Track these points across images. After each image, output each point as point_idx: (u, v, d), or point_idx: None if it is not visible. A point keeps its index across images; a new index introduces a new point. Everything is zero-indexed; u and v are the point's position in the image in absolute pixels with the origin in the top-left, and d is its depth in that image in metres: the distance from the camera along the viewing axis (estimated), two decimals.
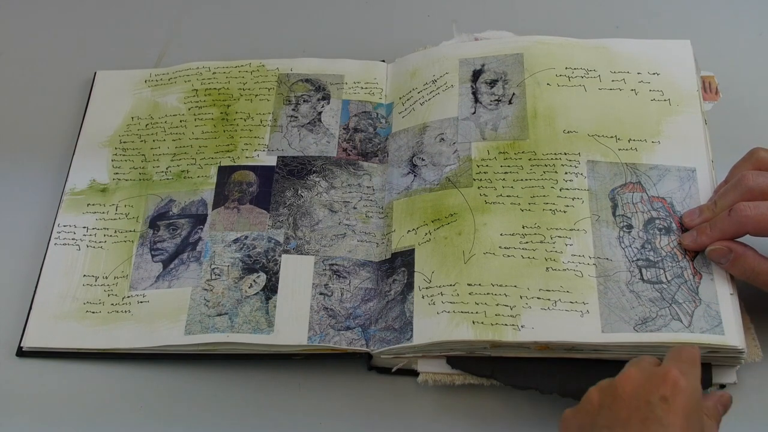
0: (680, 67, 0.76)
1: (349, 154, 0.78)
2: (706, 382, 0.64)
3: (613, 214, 0.69)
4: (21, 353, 0.71)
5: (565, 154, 0.72)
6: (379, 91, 0.82)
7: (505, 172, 0.72)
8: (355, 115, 0.80)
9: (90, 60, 0.89)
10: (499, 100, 0.76)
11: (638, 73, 0.76)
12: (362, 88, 0.82)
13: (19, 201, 0.80)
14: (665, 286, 0.65)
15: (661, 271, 0.66)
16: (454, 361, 0.67)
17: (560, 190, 0.70)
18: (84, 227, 0.76)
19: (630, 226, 0.68)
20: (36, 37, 0.92)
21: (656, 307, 0.64)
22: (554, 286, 0.66)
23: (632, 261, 0.66)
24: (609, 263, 0.66)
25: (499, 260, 0.67)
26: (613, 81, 0.76)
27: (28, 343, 0.71)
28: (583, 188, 0.70)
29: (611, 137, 0.72)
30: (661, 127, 0.73)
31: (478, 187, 0.71)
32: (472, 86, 0.77)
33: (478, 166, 0.73)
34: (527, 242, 0.68)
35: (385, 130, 0.79)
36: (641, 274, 0.66)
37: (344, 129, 0.80)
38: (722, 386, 0.65)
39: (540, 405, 0.67)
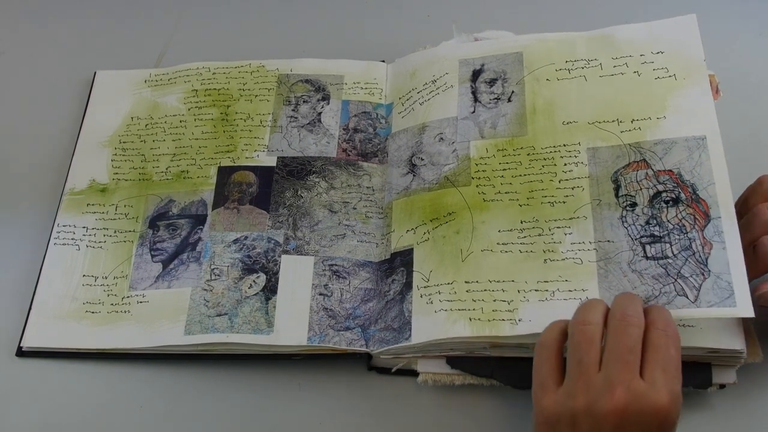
0: (685, 41, 0.73)
1: (348, 155, 0.78)
2: (706, 382, 0.64)
3: (616, 195, 0.67)
4: (20, 353, 0.71)
5: (564, 145, 0.71)
6: (379, 92, 0.82)
7: (504, 169, 0.71)
8: (355, 116, 0.80)
9: (90, 60, 0.89)
10: (498, 99, 0.76)
11: (641, 55, 0.74)
12: (362, 88, 0.82)
13: (19, 201, 0.80)
14: (671, 260, 0.63)
15: (667, 245, 0.64)
16: (453, 361, 0.67)
17: (559, 181, 0.69)
18: (84, 227, 0.76)
19: (634, 204, 0.66)
20: (36, 37, 0.93)
21: (660, 284, 0.63)
22: (552, 276, 0.65)
23: (635, 239, 0.65)
24: (610, 245, 0.65)
25: (496, 256, 0.67)
26: (615, 67, 0.74)
27: (28, 343, 0.71)
28: (583, 176, 0.69)
29: (613, 121, 0.71)
30: (667, 102, 0.71)
31: (477, 186, 0.71)
32: (471, 86, 0.77)
33: (477, 165, 0.72)
34: (525, 237, 0.67)
35: (385, 130, 0.79)
36: (644, 252, 0.64)
37: (344, 129, 0.80)
38: (722, 386, 0.65)
39: None
